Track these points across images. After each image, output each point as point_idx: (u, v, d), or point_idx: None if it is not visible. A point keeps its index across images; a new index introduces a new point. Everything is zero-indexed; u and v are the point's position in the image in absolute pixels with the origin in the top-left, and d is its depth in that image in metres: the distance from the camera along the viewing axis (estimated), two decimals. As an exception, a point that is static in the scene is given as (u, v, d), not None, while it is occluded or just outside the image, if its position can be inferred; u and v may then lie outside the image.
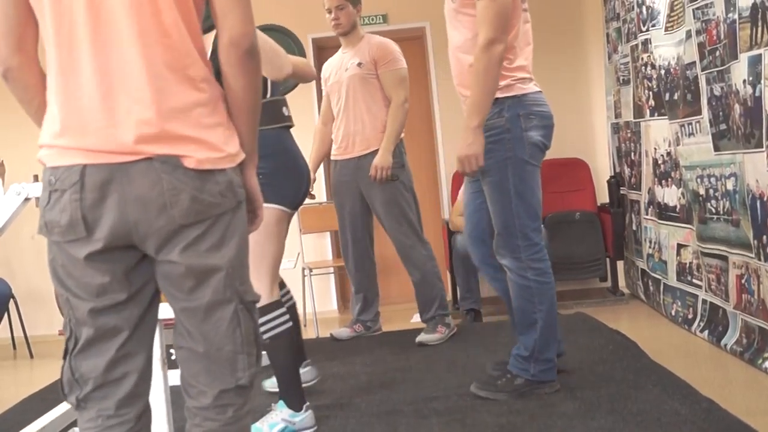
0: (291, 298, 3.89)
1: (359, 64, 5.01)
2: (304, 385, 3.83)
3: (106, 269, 1.72)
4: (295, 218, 6.56)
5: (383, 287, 5.65)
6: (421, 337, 4.96)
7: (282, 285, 3.83)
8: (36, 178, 3.34)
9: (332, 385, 4.16)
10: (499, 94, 3.51)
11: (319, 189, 6.73)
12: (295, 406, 3.39)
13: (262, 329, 3.33)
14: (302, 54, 4.07)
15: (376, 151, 4.95)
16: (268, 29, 4.03)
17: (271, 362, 3.45)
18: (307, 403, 3.43)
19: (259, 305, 3.30)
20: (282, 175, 3.42)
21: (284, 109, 3.56)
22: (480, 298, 5.93)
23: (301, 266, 6.33)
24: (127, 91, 1.67)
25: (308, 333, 6.00)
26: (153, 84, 1.68)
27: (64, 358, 1.81)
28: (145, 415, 1.87)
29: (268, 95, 3.49)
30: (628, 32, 5.81)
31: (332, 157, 5.26)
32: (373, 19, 6.93)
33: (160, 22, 1.69)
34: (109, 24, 1.67)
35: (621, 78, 6.06)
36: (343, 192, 5.19)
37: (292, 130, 3.60)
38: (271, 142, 3.40)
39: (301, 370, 3.94)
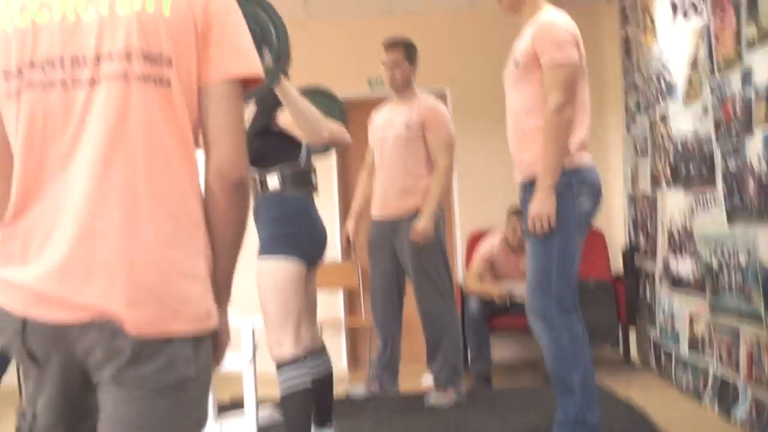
0: (329, 365, 3.86)
1: (407, 127, 4.96)
2: None
3: None
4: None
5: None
6: (432, 400, 4.91)
7: (323, 351, 3.84)
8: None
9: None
10: (563, 165, 3.56)
11: (334, 247, 6.75)
12: None
13: (281, 384, 3.39)
14: (344, 118, 4.14)
15: (412, 214, 4.91)
16: (312, 92, 4.11)
17: (283, 418, 3.47)
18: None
19: (282, 360, 3.36)
20: (304, 237, 3.54)
21: (313, 177, 3.67)
22: (491, 363, 5.91)
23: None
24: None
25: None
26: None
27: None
28: None
29: (302, 157, 3.59)
30: (647, 104, 5.87)
31: (371, 215, 5.22)
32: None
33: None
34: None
35: (639, 149, 6.11)
36: (377, 251, 5.16)
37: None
38: (297, 207, 3.55)
39: (324, 431, 3.95)
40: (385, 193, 5.05)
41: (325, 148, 4.27)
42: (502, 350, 6.78)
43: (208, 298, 1.63)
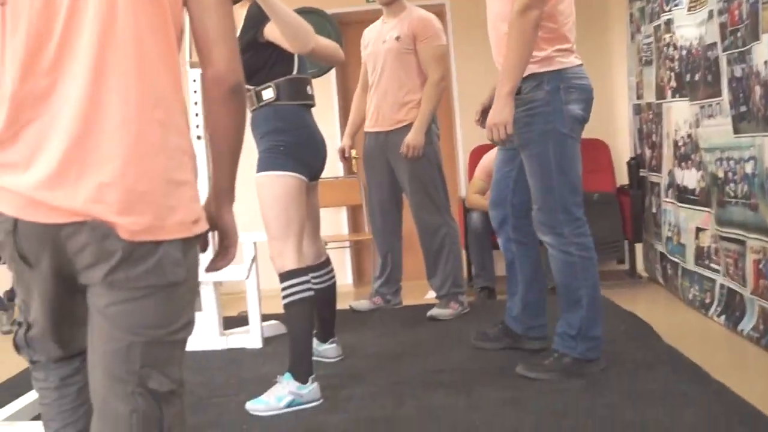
0: (332, 277, 3.92)
1: (397, 38, 4.94)
2: (326, 361, 3.90)
3: None
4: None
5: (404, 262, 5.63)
6: (433, 312, 4.96)
7: (326, 263, 3.89)
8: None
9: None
10: (538, 69, 3.47)
11: (336, 163, 6.69)
12: (302, 378, 3.40)
13: (283, 293, 3.44)
14: (338, 39, 4.10)
15: (406, 126, 4.92)
16: (305, 12, 4.07)
17: (287, 329, 3.52)
18: (313, 375, 3.44)
19: (284, 270, 3.41)
20: (302, 148, 3.52)
21: (308, 87, 3.64)
22: (494, 276, 5.90)
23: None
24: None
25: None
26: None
27: (18, 325, 1.81)
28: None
29: (295, 71, 3.56)
30: (652, 12, 5.74)
31: (364, 129, 5.25)
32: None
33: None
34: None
35: (644, 58, 6.00)
36: (372, 164, 5.19)
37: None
38: (293, 117, 3.53)
39: (326, 346, 4.00)
40: (379, 106, 5.07)
41: (320, 69, 4.23)
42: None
43: (197, 203, 1.67)
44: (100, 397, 1.62)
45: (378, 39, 5.06)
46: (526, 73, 3.46)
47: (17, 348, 1.84)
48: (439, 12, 6.99)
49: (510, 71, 3.39)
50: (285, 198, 3.45)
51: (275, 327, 4.75)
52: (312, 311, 3.50)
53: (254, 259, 4.42)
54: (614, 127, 6.78)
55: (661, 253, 5.83)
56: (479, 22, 6.87)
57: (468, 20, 6.86)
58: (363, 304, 5.33)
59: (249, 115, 3.56)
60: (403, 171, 4.97)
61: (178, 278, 1.61)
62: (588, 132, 6.56)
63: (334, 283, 3.93)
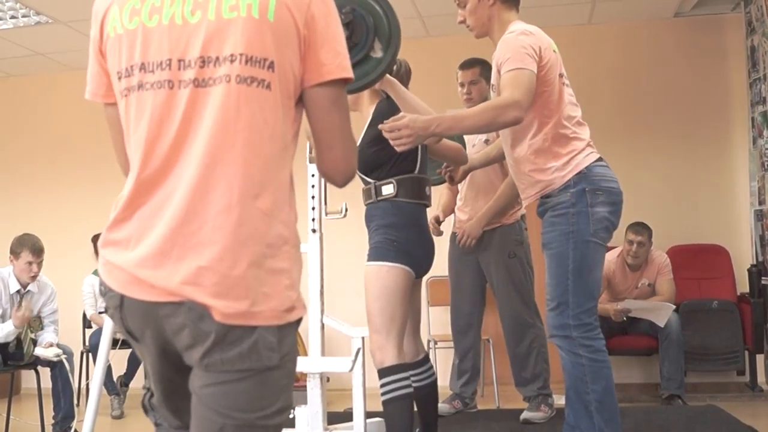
0: (432, 374, 3.82)
1: (486, 141, 4.93)
2: None
3: None
4: (424, 290, 6.59)
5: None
6: (526, 415, 4.81)
7: (425, 360, 3.82)
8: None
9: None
10: (562, 179, 3.41)
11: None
12: None
13: (382, 390, 3.40)
14: (462, 141, 4.17)
15: (496, 227, 4.86)
16: None
17: (385, 423, 3.48)
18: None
19: (384, 365, 3.38)
20: (413, 245, 3.53)
21: (427, 188, 3.66)
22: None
23: (427, 338, 6.29)
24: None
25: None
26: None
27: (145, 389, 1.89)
28: None
29: (417, 170, 3.60)
30: (775, 117, 5.62)
31: (456, 227, 5.21)
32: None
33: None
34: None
35: (766, 164, 5.86)
36: (461, 261, 5.14)
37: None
38: (409, 214, 3.54)
39: None
40: (473, 205, 4.99)
41: (440, 179, 4.29)
42: (618, 372, 6.55)
43: (293, 291, 1.67)
44: None
45: (467, 144, 5.05)
46: (555, 187, 3.42)
47: (144, 410, 1.91)
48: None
49: (464, 127, 3.38)
50: (392, 290, 3.44)
51: (379, 425, 4.70)
52: (411, 409, 3.45)
53: (359, 352, 4.42)
54: (735, 232, 6.60)
55: (785, 366, 5.57)
56: (596, 123, 6.89)
57: (585, 121, 6.85)
58: (443, 408, 5.16)
59: (364, 208, 3.61)
60: (493, 270, 4.92)
61: (272, 363, 1.62)
62: (708, 237, 6.52)
63: (435, 381, 3.82)
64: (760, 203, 6.05)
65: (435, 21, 6.77)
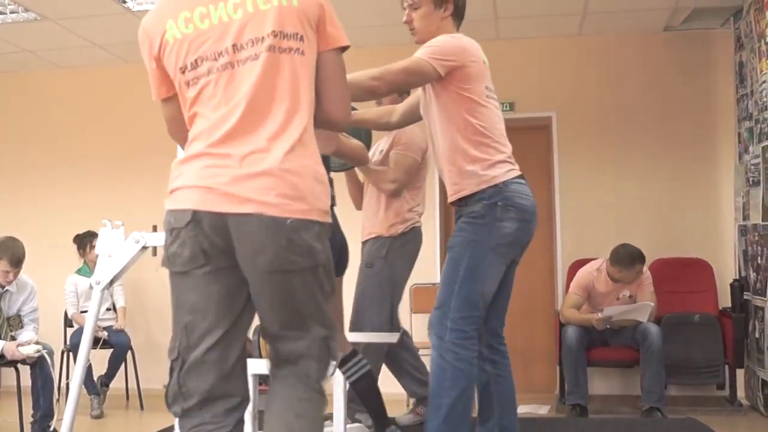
0: (365, 365, 3.86)
1: (381, 152, 4.76)
2: None
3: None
4: (406, 296, 6.58)
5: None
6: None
7: (355, 353, 3.84)
8: (155, 228, 3.47)
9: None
10: (476, 188, 3.38)
11: (433, 268, 6.68)
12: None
13: (345, 375, 3.64)
14: (367, 144, 4.15)
15: (371, 238, 4.73)
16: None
17: (360, 400, 3.74)
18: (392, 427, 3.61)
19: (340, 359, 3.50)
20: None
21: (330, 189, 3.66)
22: (587, 394, 5.75)
23: (409, 345, 6.27)
24: None
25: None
26: None
27: (171, 375, 2.20)
28: (240, 423, 2.25)
29: None
30: (761, 132, 5.65)
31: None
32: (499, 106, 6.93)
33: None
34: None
35: (751, 179, 5.88)
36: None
37: None
38: None
39: None
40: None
41: (350, 166, 4.31)
42: (598, 383, 6.57)
43: (329, 197, 2.25)
44: None
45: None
46: (466, 193, 3.41)
47: (168, 403, 2.20)
48: (545, 124, 7.05)
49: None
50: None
51: (359, 429, 4.69)
52: (376, 384, 3.76)
53: (340, 357, 4.41)
54: (719, 247, 6.62)
55: (763, 381, 5.58)
56: (583, 135, 6.96)
57: (573, 132, 6.90)
58: (406, 418, 5.09)
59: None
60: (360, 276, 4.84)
61: (320, 260, 2.20)
62: (692, 251, 6.55)
63: (372, 370, 3.92)
64: (745, 219, 6.08)
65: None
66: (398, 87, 3.51)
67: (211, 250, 2.13)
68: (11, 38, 6.84)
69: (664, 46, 6.88)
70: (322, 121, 2.32)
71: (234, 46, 2.20)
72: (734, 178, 6.41)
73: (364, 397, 3.64)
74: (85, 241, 6.68)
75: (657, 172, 6.81)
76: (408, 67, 3.30)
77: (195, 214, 2.11)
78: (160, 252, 2.32)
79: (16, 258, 5.29)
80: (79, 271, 6.69)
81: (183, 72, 2.22)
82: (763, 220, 5.59)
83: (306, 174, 2.16)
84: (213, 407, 2.18)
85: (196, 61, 2.20)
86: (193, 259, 2.14)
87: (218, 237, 2.11)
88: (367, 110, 3.86)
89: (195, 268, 2.15)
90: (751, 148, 5.90)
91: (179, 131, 2.35)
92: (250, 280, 2.16)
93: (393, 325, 4.72)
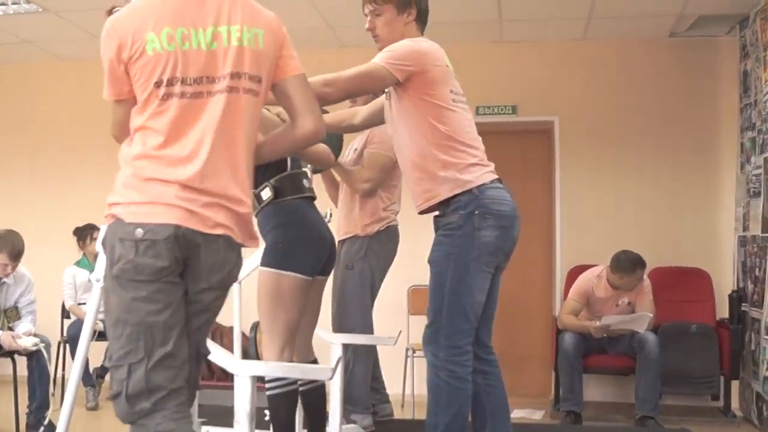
0: (318, 381, 3.76)
1: (355, 150, 4.79)
2: None
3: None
4: (404, 298, 6.58)
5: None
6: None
7: (313, 363, 3.79)
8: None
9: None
10: (449, 193, 3.34)
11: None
12: None
13: (267, 385, 3.53)
14: (337, 145, 4.11)
15: (348, 238, 4.71)
16: None
17: (271, 420, 3.59)
18: None
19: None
20: (300, 243, 3.52)
21: (305, 181, 3.67)
22: (582, 401, 5.75)
23: (405, 346, 6.28)
24: None
25: (404, 414, 5.95)
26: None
27: (129, 376, 2.28)
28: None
29: (290, 167, 3.62)
30: (763, 143, 5.64)
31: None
32: (502, 110, 6.94)
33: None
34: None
35: (752, 190, 5.87)
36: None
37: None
38: (291, 212, 3.56)
39: None
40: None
41: (321, 169, 4.30)
42: (593, 390, 6.57)
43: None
44: None
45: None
46: (440, 199, 3.37)
47: (133, 400, 2.28)
48: (547, 128, 7.03)
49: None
50: (276, 296, 3.46)
51: (354, 430, 4.69)
52: (294, 405, 3.61)
53: (340, 360, 4.39)
54: (718, 257, 6.61)
55: (757, 393, 5.58)
56: (585, 140, 6.95)
57: (575, 137, 6.89)
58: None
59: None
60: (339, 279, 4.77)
61: (236, 277, 2.56)
62: (691, 261, 6.53)
63: (322, 386, 3.76)
64: (745, 229, 6.07)
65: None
66: (351, 93, 3.48)
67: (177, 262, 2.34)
68: (13, 29, 6.82)
69: (668, 52, 6.86)
70: (300, 136, 2.53)
71: (208, 77, 2.33)
72: (735, 188, 6.40)
73: (275, 412, 3.57)
74: (85, 233, 6.68)
75: (657, 180, 6.80)
76: (362, 72, 3.27)
77: (177, 228, 2.29)
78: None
79: (16, 251, 5.28)
80: (78, 263, 6.69)
81: (158, 86, 2.30)
82: (762, 232, 5.59)
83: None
84: (178, 398, 2.32)
85: (171, 79, 2.29)
86: (164, 269, 2.29)
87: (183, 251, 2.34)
88: (328, 114, 3.81)
89: (163, 277, 2.30)
90: (753, 159, 5.90)
91: (124, 135, 2.45)
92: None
93: None
